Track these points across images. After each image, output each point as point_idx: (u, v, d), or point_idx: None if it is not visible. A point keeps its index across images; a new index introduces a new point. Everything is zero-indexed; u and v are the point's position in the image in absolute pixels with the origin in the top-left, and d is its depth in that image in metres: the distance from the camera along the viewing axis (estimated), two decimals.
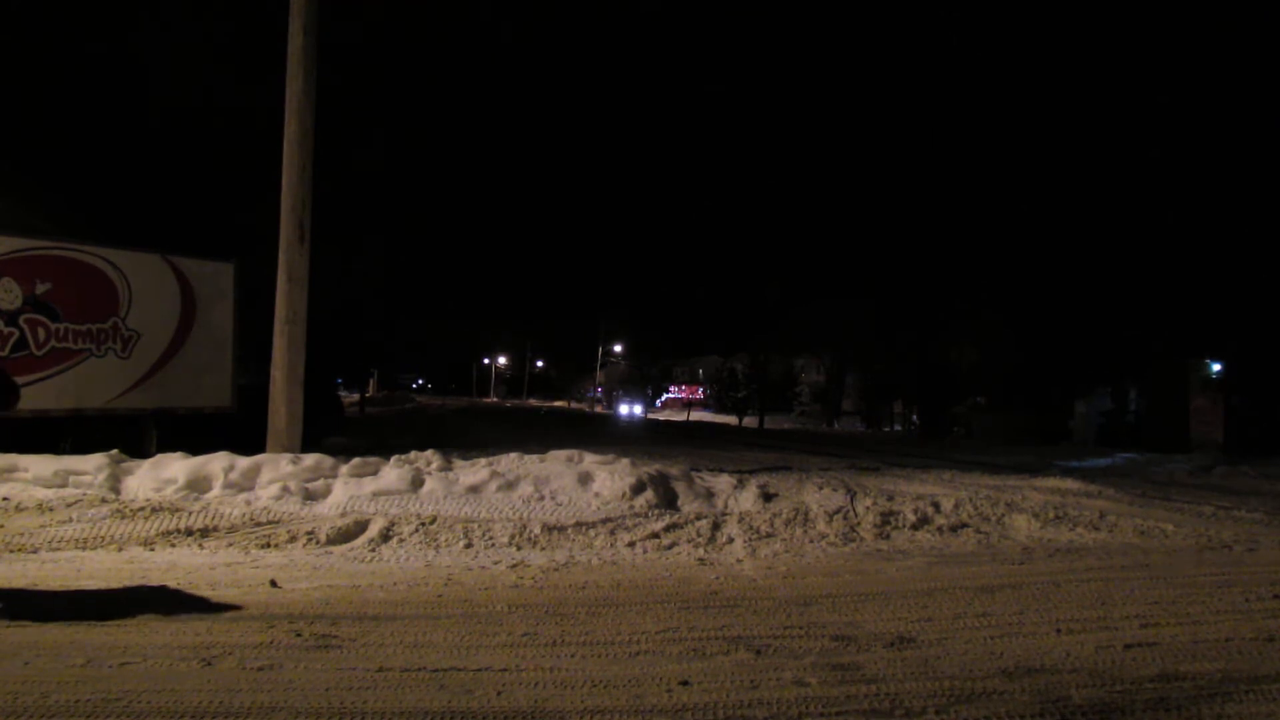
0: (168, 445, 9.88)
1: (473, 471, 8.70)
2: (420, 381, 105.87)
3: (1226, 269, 23.13)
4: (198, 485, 8.17)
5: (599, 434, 24.71)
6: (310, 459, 8.75)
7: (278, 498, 7.84)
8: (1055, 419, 27.66)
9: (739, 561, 6.17)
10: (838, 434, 33.37)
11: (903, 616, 4.60)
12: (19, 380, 10.01)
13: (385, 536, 6.62)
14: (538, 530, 6.88)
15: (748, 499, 8.73)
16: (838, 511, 7.99)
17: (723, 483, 9.52)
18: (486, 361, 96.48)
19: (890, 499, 9.00)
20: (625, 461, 9.19)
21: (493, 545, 6.53)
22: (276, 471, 8.38)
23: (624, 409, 52.46)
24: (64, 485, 8.12)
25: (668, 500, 8.40)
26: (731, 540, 6.87)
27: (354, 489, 8.09)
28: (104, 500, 7.63)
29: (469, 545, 6.49)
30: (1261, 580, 5.58)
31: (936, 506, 8.22)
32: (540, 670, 3.62)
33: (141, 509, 7.23)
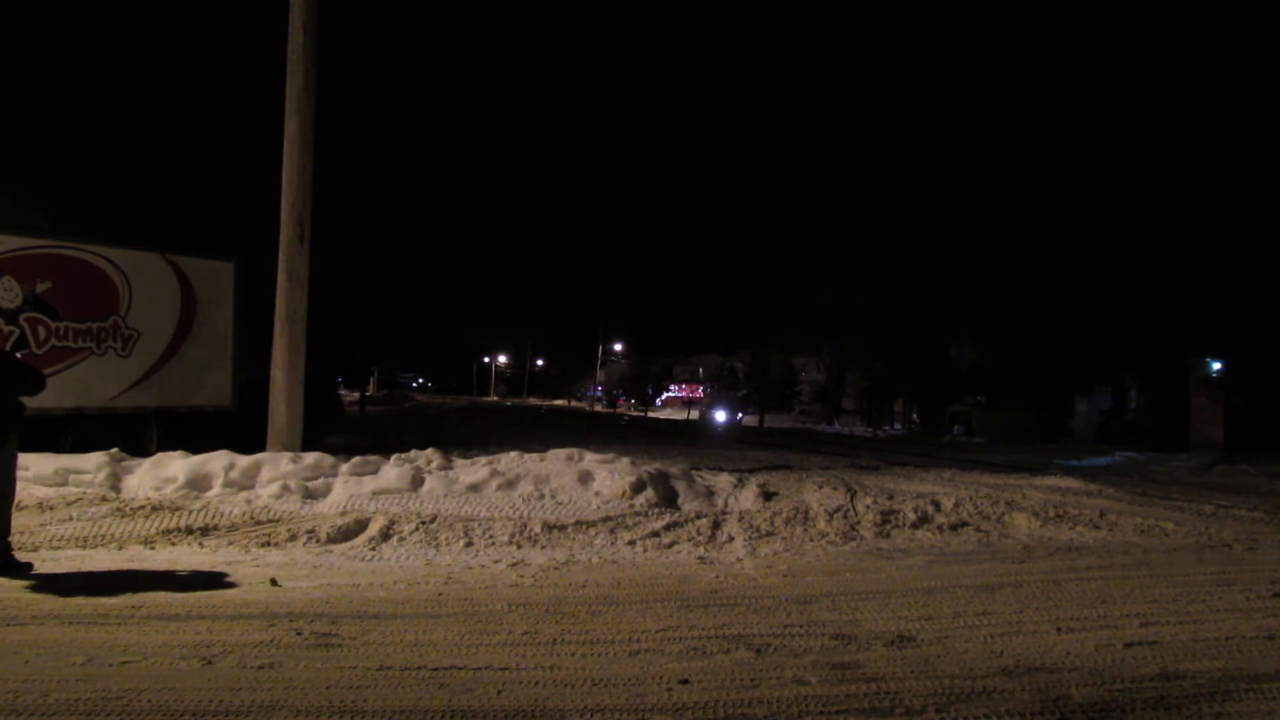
0: (168, 444, 9.88)
1: (473, 470, 8.70)
2: (420, 380, 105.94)
3: (1227, 268, 23.13)
4: (198, 484, 8.17)
5: (599, 432, 24.71)
6: (310, 457, 8.75)
7: (278, 496, 7.84)
8: (1055, 417, 27.65)
9: (739, 560, 6.17)
10: (838, 433, 33.36)
11: (903, 615, 4.61)
12: None
13: (385, 535, 6.62)
14: (538, 529, 6.88)
15: (748, 498, 8.74)
16: (838, 510, 7.99)
17: (723, 481, 9.52)
18: (486, 360, 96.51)
19: (890, 498, 9.01)
20: (625, 460, 9.19)
21: (493, 544, 6.53)
22: (277, 470, 8.38)
23: (720, 415, 43.31)
24: (64, 484, 8.12)
25: (668, 499, 8.40)
26: (732, 539, 6.88)
27: (354, 488, 8.09)
28: (104, 499, 7.64)
29: (469, 544, 6.49)
30: (1261, 579, 5.58)
31: (937, 505, 8.22)
32: (540, 669, 3.62)
33: (142, 507, 7.23)
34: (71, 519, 6.82)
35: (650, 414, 56.28)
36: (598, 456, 9.32)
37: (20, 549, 5.91)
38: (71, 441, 10.16)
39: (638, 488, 8.30)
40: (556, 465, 8.85)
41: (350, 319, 28.71)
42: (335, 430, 17.72)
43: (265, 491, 7.98)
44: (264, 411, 10.09)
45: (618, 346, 75.39)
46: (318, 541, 6.46)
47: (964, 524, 7.66)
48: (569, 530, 6.96)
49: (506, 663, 3.69)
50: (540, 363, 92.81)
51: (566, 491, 8.25)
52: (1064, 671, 3.67)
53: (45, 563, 5.56)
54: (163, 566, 5.58)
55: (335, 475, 8.45)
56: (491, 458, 9.42)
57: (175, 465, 8.49)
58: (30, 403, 5.57)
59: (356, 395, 40.44)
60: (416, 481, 8.28)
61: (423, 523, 6.90)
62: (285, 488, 7.97)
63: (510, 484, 8.31)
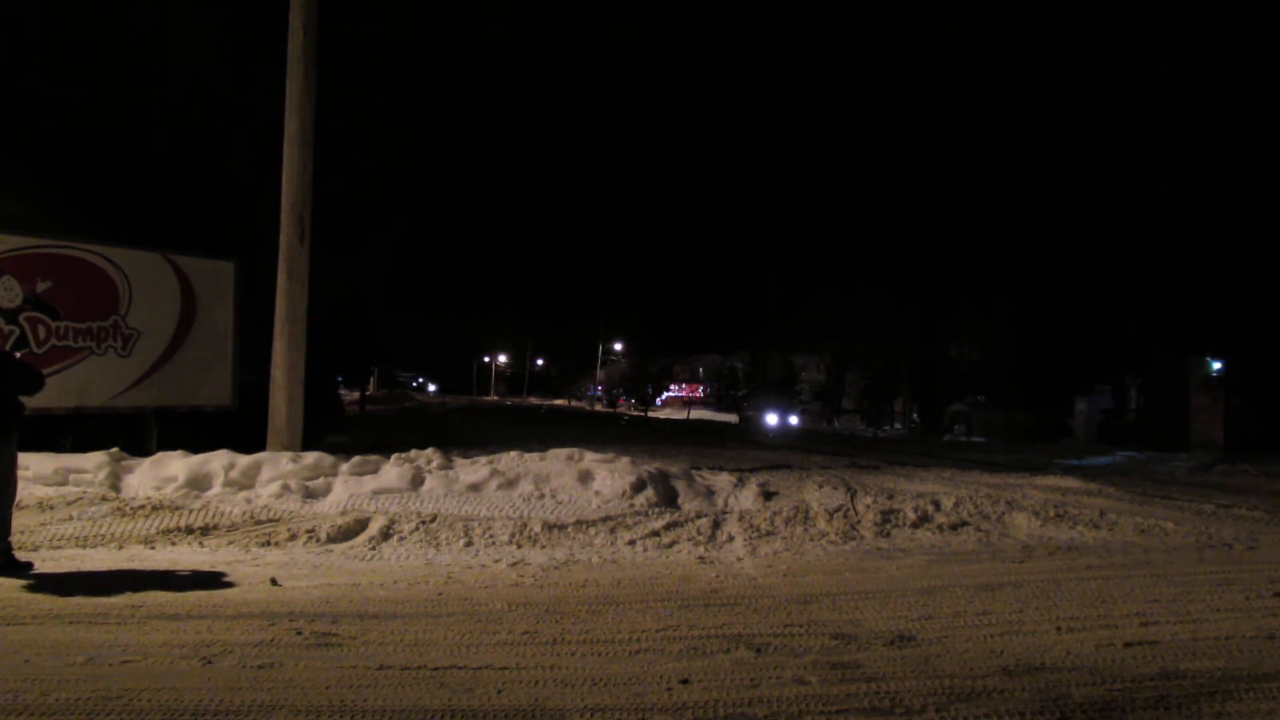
0: (168, 443, 9.87)
1: (473, 470, 8.70)
2: (420, 380, 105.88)
3: (1227, 268, 23.13)
4: (198, 483, 8.17)
5: (599, 432, 24.71)
6: (310, 457, 8.74)
7: (278, 496, 7.84)
8: (1055, 417, 27.66)
9: (739, 560, 6.17)
10: (838, 432, 33.33)
11: (903, 615, 4.60)
12: None
13: (386, 535, 6.62)
14: (538, 528, 6.88)
15: (748, 497, 8.73)
16: (838, 510, 7.99)
17: (723, 481, 9.52)
18: (487, 359, 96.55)
19: (890, 497, 9.00)
20: (625, 460, 9.19)
21: (493, 543, 6.53)
22: (277, 470, 8.38)
23: (771, 419, 36.18)
24: (64, 483, 8.12)
25: (668, 498, 8.40)
26: (732, 538, 6.87)
27: (354, 487, 8.09)
28: (104, 498, 7.63)
29: (469, 543, 6.49)
30: (1261, 578, 5.58)
31: (937, 505, 8.22)
32: (540, 668, 3.62)
33: (142, 507, 7.22)
34: (72, 518, 6.82)
35: (650, 414, 56.24)
36: (598, 456, 9.32)
37: (20, 548, 5.91)
38: (72, 441, 10.16)
39: (638, 487, 8.30)
40: (556, 465, 8.84)
41: (350, 319, 28.72)
42: (335, 430, 17.72)
43: (265, 491, 7.98)
44: (264, 411, 10.08)
45: (618, 346, 75.40)
46: (318, 541, 6.46)
47: (964, 523, 7.66)
48: (569, 530, 6.96)
49: (507, 662, 3.69)
50: (540, 362, 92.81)
51: (566, 491, 8.25)
52: (1064, 671, 3.67)
53: (45, 562, 5.56)
54: (163, 566, 5.58)
55: (335, 475, 8.44)
56: (491, 457, 9.41)
57: (175, 465, 8.48)
58: (30, 403, 5.58)
59: (356, 395, 40.45)
60: (417, 481, 8.28)
61: (423, 522, 6.90)
62: (285, 487, 7.96)
63: (510, 483, 8.31)
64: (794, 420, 37.61)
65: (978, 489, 10.00)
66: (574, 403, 76.10)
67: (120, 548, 6.14)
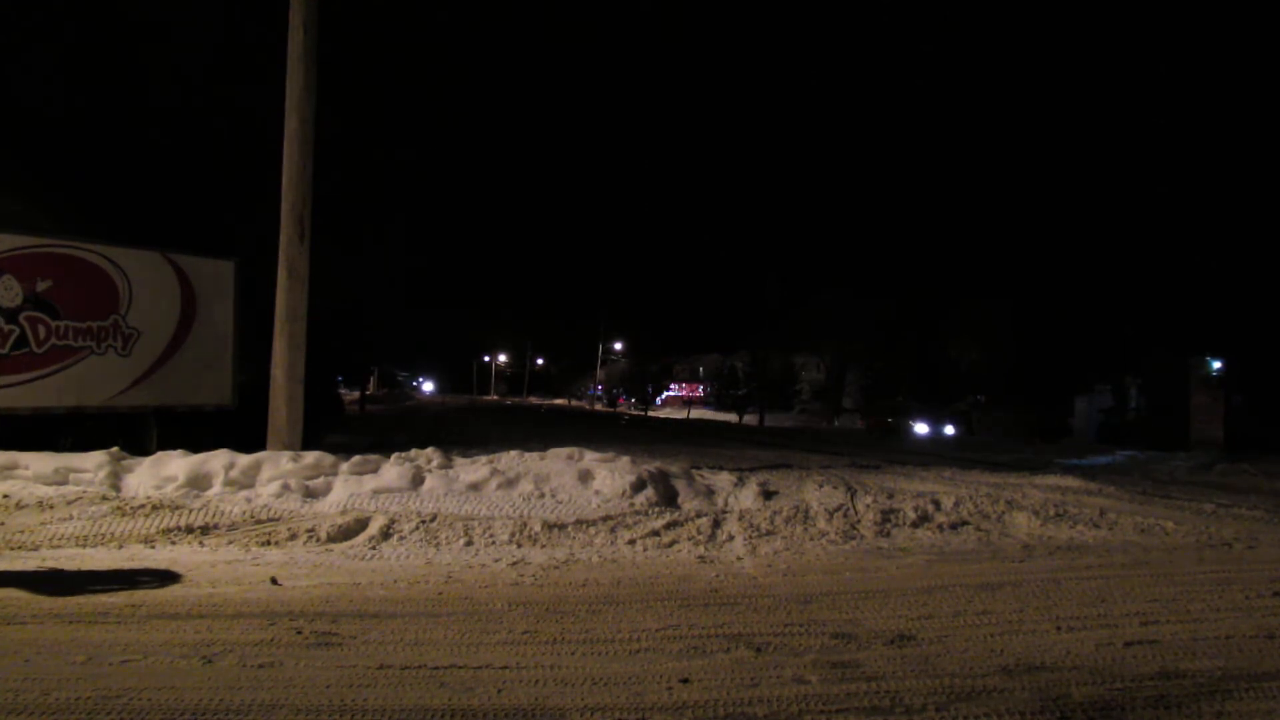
0: (168, 443, 9.88)
1: (473, 469, 8.70)
2: (420, 379, 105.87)
3: (1227, 268, 23.15)
4: (198, 483, 8.16)
5: (599, 432, 24.71)
6: (310, 456, 8.74)
7: (278, 495, 7.84)
8: (1056, 416, 27.68)
9: (739, 559, 6.17)
10: (838, 432, 33.33)
11: (903, 614, 4.60)
12: (20, 378, 10.04)
13: (386, 534, 6.62)
14: (538, 528, 6.88)
15: (748, 497, 8.73)
16: (838, 509, 7.98)
17: (723, 480, 9.52)
18: (487, 359, 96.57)
19: (890, 496, 9.00)
20: (625, 459, 9.19)
21: (493, 543, 6.53)
22: (277, 469, 8.38)
23: (922, 428, 31.87)
24: (64, 483, 8.12)
25: (668, 498, 8.40)
26: (732, 538, 6.87)
27: (354, 486, 8.09)
28: (104, 498, 7.63)
29: (469, 543, 6.49)
30: (1261, 578, 5.58)
31: (937, 504, 8.22)
32: (541, 668, 3.62)
33: (142, 506, 7.22)
34: (71, 518, 6.81)
35: (650, 413, 56.24)
36: (598, 455, 9.32)
37: (21, 548, 5.92)
38: (72, 441, 10.16)
39: (638, 487, 8.30)
40: (557, 464, 8.84)
41: (350, 318, 28.71)
42: (335, 429, 17.73)
43: (265, 490, 7.98)
44: (264, 410, 10.08)
45: (618, 346, 75.37)
46: (318, 540, 6.46)
47: (964, 523, 7.66)
48: (569, 529, 6.96)
49: (507, 661, 3.69)
50: (540, 362, 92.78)
51: (566, 490, 8.25)
52: (1064, 670, 3.67)
53: (45, 561, 5.56)
54: (163, 565, 5.58)
55: (335, 474, 8.44)
56: (492, 457, 9.41)
57: (175, 464, 8.48)
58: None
59: (356, 395, 40.46)
60: (417, 480, 8.28)
61: (423, 522, 6.90)
62: (285, 486, 7.96)
63: (510, 483, 8.31)
64: (949, 430, 32.31)
65: (978, 488, 10.00)
66: (574, 402, 76.07)
67: (120, 547, 6.14)
